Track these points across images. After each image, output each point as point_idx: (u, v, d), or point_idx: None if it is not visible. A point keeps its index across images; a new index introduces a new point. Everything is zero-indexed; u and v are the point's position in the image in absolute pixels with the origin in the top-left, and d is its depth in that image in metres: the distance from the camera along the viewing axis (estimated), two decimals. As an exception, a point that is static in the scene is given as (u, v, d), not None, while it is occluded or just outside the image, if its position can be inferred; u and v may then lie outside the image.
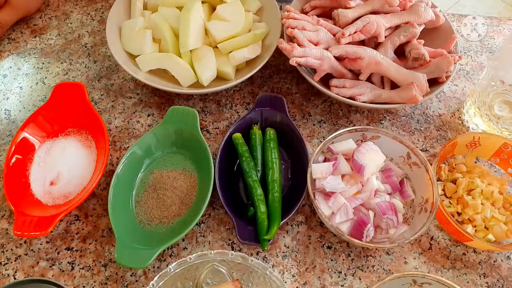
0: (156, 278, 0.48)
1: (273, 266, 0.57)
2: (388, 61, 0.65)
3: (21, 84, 0.74)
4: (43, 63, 0.76)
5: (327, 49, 0.65)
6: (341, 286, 0.56)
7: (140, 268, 0.54)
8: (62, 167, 0.60)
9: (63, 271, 0.56)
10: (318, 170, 0.57)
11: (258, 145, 0.63)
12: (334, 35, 0.67)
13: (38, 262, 0.57)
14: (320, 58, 0.64)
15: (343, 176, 0.59)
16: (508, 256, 0.58)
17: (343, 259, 0.57)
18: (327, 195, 0.57)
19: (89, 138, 0.64)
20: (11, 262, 0.57)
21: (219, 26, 0.69)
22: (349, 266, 0.57)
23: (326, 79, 0.67)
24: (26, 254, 0.57)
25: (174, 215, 0.59)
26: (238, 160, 0.62)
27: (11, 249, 0.57)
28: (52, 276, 0.56)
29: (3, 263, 0.56)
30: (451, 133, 0.70)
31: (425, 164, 0.58)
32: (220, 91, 0.73)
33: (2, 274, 0.56)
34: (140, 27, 0.70)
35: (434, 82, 0.67)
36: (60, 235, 0.59)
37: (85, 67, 0.76)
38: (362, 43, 0.69)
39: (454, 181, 0.63)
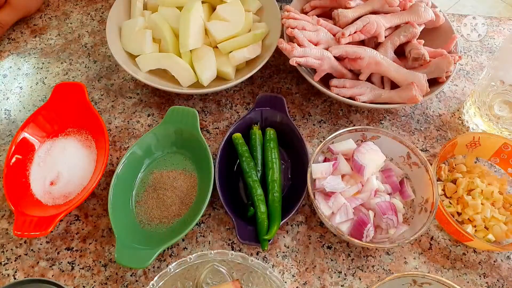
0: (156, 278, 0.48)
1: (273, 266, 0.57)
2: (388, 61, 0.65)
3: (21, 84, 0.74)
4: (43, 63, 0.76)
5: (327, 49, 0.65)
6: (341, 286, 0.56)
7: (140, 268, 0.54)
8: (62, 167, 0.60)
9: (63, 271, 0.56)
10: (318, 170, 0.57)
11: (258, 145, 0.63)
12: (334, 35, 0.67)
13: (38, 262, 0.57)
14: (320, 58, 0.64)
15: (343, 176, 0.59)
16: (508, 256, 0.58)
17: (343, 259, 0.57)
18: (327, 195, 0.57)
19: (89, 138, 0.64)
20: (11, 262, 0.57)
21: (219, 26, 0.69)
22: (349, 266, 0.57)
23: (326, 79, 0.67)
24: (26, 254, 0.57)
25: (174, 215, 0.59)
26: (238, 160, 0.62)
27: (11, 249, 0.57)
28: (52, 276, 0.56)
29: (3, 263, 0.56)
30: (451, 133, 0.70)
31: (425, 164, 0.58)
32: (220, 91, 0.73)
33: (2, 274, 0.56)
34: (140, 27, 0.70)
35: (434, 82, 0.67)
36: (60, 235, 0.59)
37: (85, 67, 0.76)
38: (362, 43, 0.69)
39: (454, 181, 0.63)
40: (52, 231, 0.58)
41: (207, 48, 0.69)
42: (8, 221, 0.60)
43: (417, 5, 0.69)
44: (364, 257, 0.58)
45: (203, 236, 0.59)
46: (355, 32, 0.66)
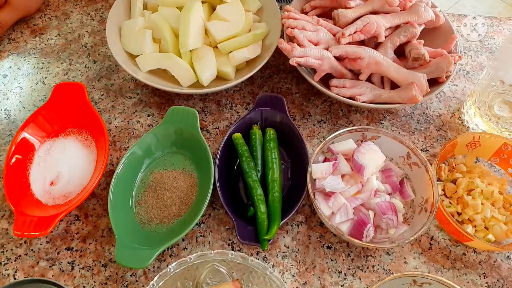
0: (156, 278, 0.48)
1: (273, 266, 0.57)
2: (388, 61, 0.65)
3: (21, 84, 0.74)
4: (43, 63, 0.76)
5: (327, 49, 0.65)
6: (341, 286, 0.56)
7: (140, 268, 0.54)
8: (62, 167, 0.60)
9: (63, 271, 0.56)
10: (318, 170, 0.57)
11: (258, 145, 0.63)
12: (334, 35, 0.67)
13: (38, 262, 0.57)
14: (320, 58, 0.64)
15: (343, 176, 0.59)
16: (508, 256, 0.58)
17: (343, 259, 0.57)
18: (327, 195, 0.57)
19: (89, 138, 0.64)
20: (11, 262, 0.57)
21: (219, 26, 0.69)
22: (349, 266, 0.57)
23: (326, 79, 0.67)
24: (26, 254, 0.57)
25: (174, 215, 0.59)
26: (238, 160, 0.62)
27: (11, 249, 0.57)
28: (52, 276, 0.56)
29: (3, 263, 0.56)
30: (451, 133, 0.70)
31: (425, 164, 0.58)
32: (220, 91, 0.73)
33: (2, 274, 0.56)
34: (140, 27, 0.70)
35: (434, 82, 0.67)
36: (60, 235, 0.59)
37: (85, 67, 0.76)
38: (362, 43, 0.69)
39: (454, 181, 0.63)
40: (52, 231, 0.58)
41: (207, 48, 0.69)
42: (8, 221, 0.60)
43: (417, 5, 0.69)
44: (364, 257, 0.58)
45: (203, 236, 0.59)
46: (355, 32, 0.66)
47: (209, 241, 0.58)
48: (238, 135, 0.63)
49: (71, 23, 0.82)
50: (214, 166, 0.59)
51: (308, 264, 0.57)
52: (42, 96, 0.72)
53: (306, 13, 0.74)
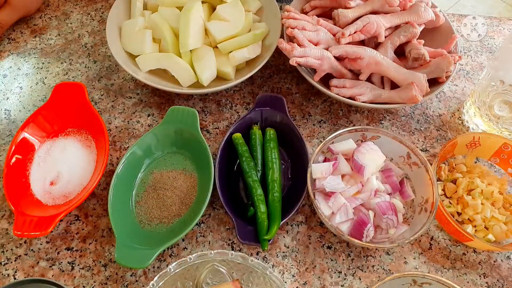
0: (156, 278, 0.48)
1: (273, 266, 0.57)
2: (388, 61, 0.65)
3: (21, 84, 0.74)
4: (43, 63, 0.76)
5: (327, 49, 0.65)
6: (341, 286, 0.56)
7: (140, 268, 0.54)
8: (62, 167, 0.60)
9: (63, 271, 0.56)
10: (318, 170, 0.57)
11: (258, 145, 0.63)
12: (334, 35, 0.67)
13: (38, 262, 0.57)
14: (320, 58, 0.64)
15: (343, 176, 0.59)
16: (508, 256, 0.58)
17: (343, 259, 0.57)
18: (327, 195, 0.57)
19: (89, 138, 0.64)
20: (11, 262, 0.57)
21: (219, 26, 0.69)
22: (349, 266, 0.57)
23: (326, 79, 0.67)
24: (26, 254, 0.57)
25: (174, 215, 0.59)
26: (238, 160, 0.62)
27: (11, 249, 0.57)
28: (52, 276, 0.56)
29: (3, 263, 0.56)
30: (451, 133, 0.70)
31: (425, 164, 0.58)
32: (220, 91, 0.73)
33: (2, 274, 0.56)
34: (140, 27, 0.70)
35: (434, 82, 0.67)
36: (60, 235, 0.59)
37: (85, 67, 0.76)
38: (362, 43, 0.69)
39: (454, 181, 0.63)
40: (52, 231, 0.58)
41: (207, 48, 0.69)
42: (8, 221, 0.60)
43: (417, 5, 0.69)
44: (364, 257, 0.58)
45: (203, 236, 0.59)
46: (355, 32, 0.66)
47: (209, 241, 0.58)
48: (238, 135, 0.63)
49: (71, 23, 0.82)
50: (214, 166, 0.59)
51: (308, 264, 0.57)
52: (42, 96, 0.72)
53: (306, 13, 0.74)
